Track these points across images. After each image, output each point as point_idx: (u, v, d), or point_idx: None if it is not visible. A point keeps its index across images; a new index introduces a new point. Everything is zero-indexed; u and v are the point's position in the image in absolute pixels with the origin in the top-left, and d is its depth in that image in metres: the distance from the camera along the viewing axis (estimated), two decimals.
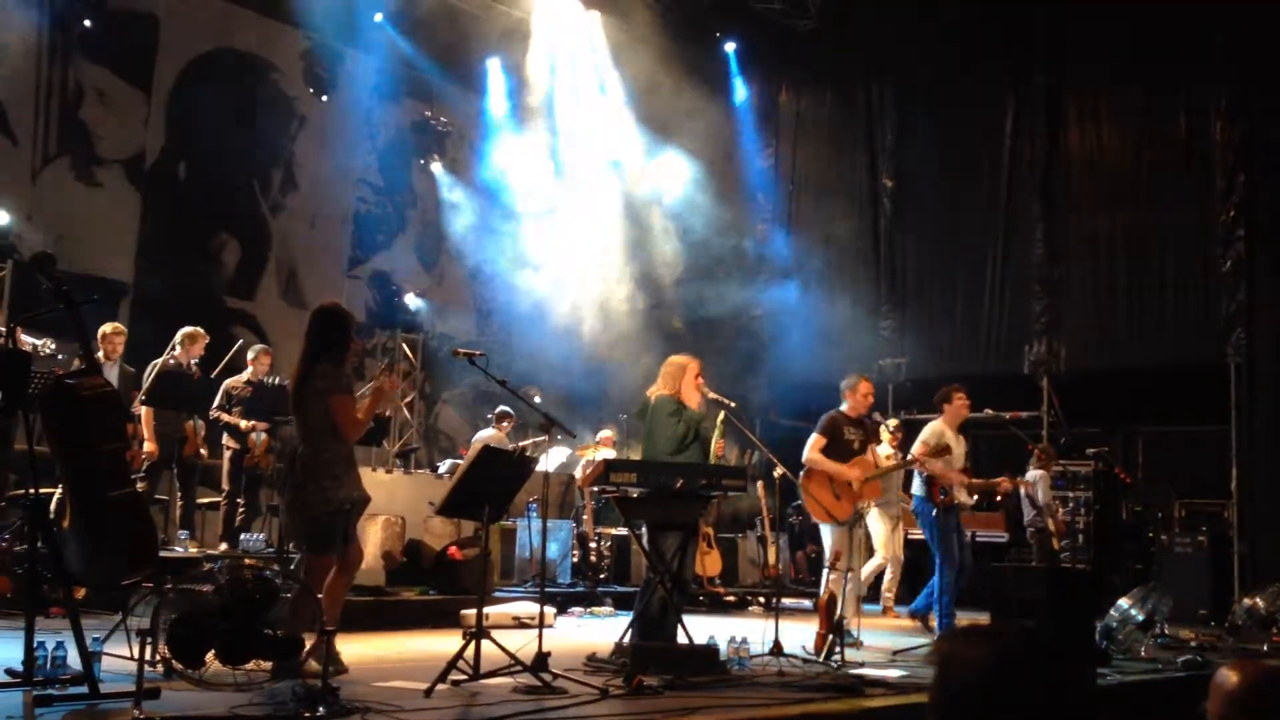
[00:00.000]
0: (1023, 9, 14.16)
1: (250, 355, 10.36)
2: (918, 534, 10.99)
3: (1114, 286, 13.68)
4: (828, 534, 8.35)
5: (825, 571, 8.12)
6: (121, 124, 12.77)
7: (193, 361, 9.81)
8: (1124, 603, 8.33)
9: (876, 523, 10.28)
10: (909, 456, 8.92)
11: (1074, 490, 12.41)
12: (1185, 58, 13.18)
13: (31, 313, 7.49)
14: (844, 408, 8.50)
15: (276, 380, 9.98)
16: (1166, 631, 8.94)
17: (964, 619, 8.56)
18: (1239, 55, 12.80)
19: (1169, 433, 13.79)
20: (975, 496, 9.30)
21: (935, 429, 8.88)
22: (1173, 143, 13.42)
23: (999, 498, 10.79)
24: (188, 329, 9.84)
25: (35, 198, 11.95)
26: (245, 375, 10.19)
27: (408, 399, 14.63)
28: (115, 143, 12.73)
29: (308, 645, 5.56)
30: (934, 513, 8.67)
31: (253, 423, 10.07)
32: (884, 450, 10.14)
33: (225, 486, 10.21)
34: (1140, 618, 8.25)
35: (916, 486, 8.94)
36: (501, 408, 12.39)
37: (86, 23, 12.35)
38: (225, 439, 10.18)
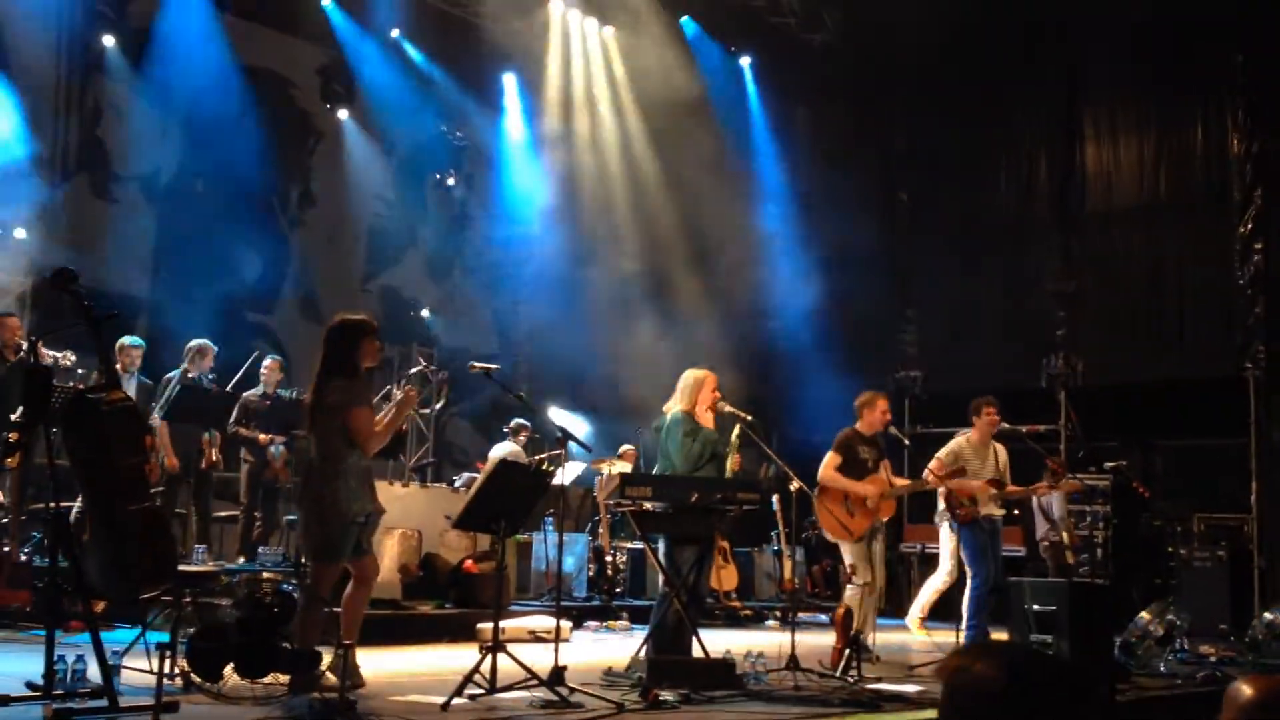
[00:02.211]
0: (1039, 23, 14.18)
1: (262, 367, 10.40)
2: None
3: (1132, 300, 13.66)
4: (848, 550, 8.33)
5: (849, 587, 8.09)
6: (140, 140, 12.87)
7: (206, 375, 9.87)
8: (1143, 618, 8.28)
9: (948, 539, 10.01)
10: (923, 476, 8.80)
11: (1092, 504, 12.34)
12: (1202, 72, 13.17)
13: (53, 327, 7.55)
14: (858, 425, 8.47)
15: (294, 394, 10.03)
16: (1186, 647, 8.87)
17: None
18: (1256, 69, 12.78)
19: (1188, 446, 13.71)
20: (1002, 509, 9.11)
21: (953, 447, 8.79)
22: (1190, 156, 13.41)
23: (1017, 511, 10.72)
24: (195, 342, 9.91)
25: (54, 214, 12.04)
26: (260, 388, 10.24)
27: (429, 409, 14.62)
28: (133, 159, 12.84)
29: (325, 660, 5.58)
30: (957, 527, 8.61)
31: (271, 436, 10.13)
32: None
33: (243, 500, 10.25)
34: (1159, 633, 8.20)
35: (940, 501, 8.87)
36: (517, 420, 12.40)
37: (105, 40, 12.47)
38: (242, 453, 10.23)
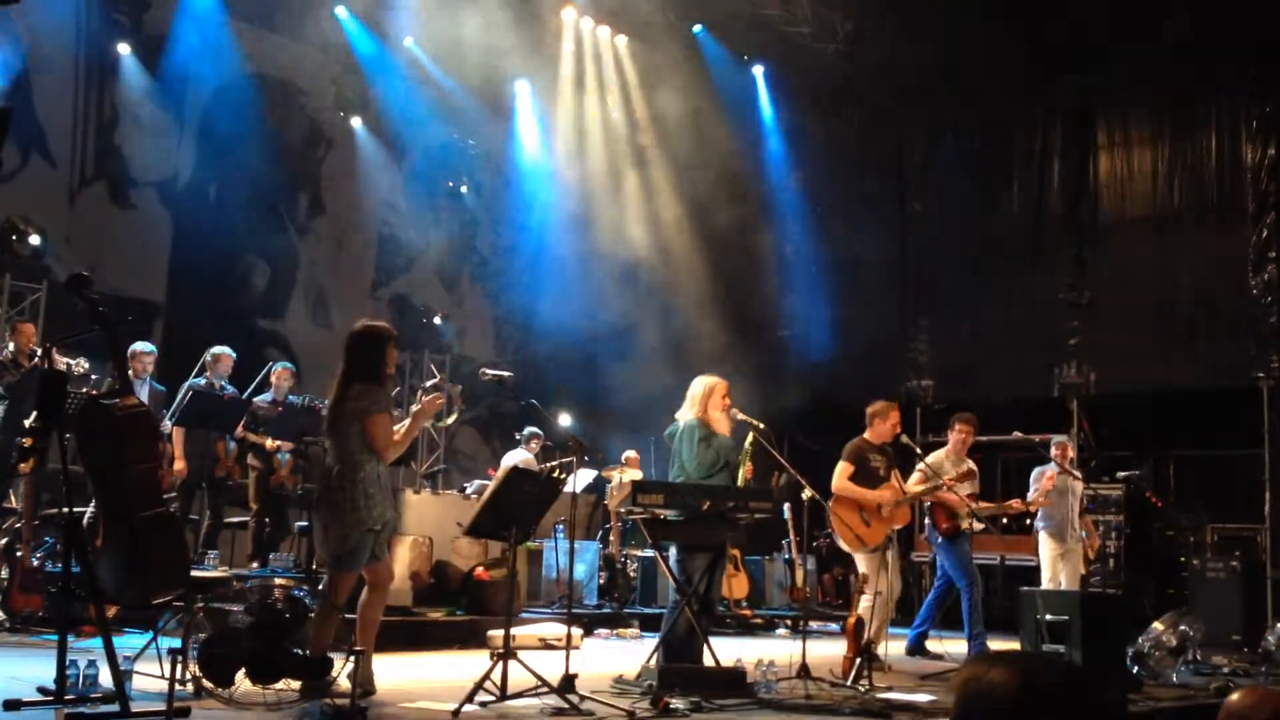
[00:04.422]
0: (1053, 33, 14.14)
1: (273, 373, 10.42)
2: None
3: (1145, 309, 13.62)
4: (862, 560, 8.32)
5: (863, 599, 8.09)
6: (155, 147, 12.94)
7: (222, 381, 9.90)
8: (1156, 628, 8.25)
9: (1045, 548, 10.00)
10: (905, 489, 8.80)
11: (1105, 514, 12.30)
12: (1215, 80, 13.14)
13: (67, 333, 7.58)
14: (867, 434, 8.49)
15: (306, 400, 10.04)
16: (1199, 657, 8.84)
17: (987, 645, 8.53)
18: (1269, 77, 12.75)
19: (1201, 456, 13.67)
20: (981, 524, 9.11)
21: (935, 459, 8.91)
22: (1203, 165, 13.37)
23: (1029, 521, 10.69)
24: (213, 349, 9.96)
25: (73, 220, 12.13)
26: (269, 395, 10.26)
27: (450, 419, 14.58)
28: (149, 165, 12.91)
29: (337, 665, 5.58)
30: (939, 540, 8.75)
31: (279, 442, 10.15)
32: (1052, 469, 9.76)
33: (253, 506, 10.28)
34: (1172, 643, 8.16)
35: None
36: (531, 428, 12.41)
37: (121, 47, 12.55)
38: (250, 458, 10.26)
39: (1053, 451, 9.91)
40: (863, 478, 8.26)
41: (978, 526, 8.82)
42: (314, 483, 9.86)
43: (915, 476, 8.78)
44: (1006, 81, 14.64)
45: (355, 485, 5.75)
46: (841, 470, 8.29)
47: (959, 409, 9.75)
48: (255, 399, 10.25)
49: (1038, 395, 13.64)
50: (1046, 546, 9.90)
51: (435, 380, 12.04)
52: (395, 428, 6.02)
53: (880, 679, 7.20)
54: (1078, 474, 10.12)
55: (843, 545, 8.47)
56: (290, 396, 10.30)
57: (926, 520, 9.09)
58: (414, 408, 6.28)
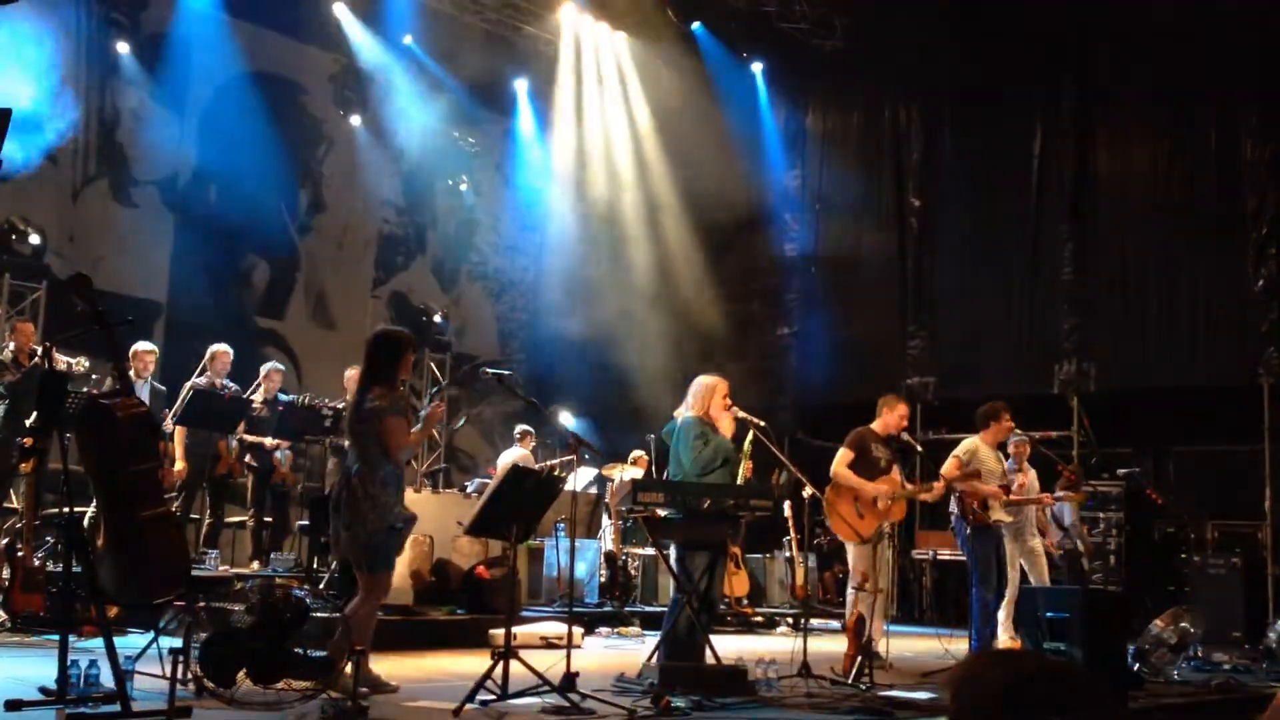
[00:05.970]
0: (1052, 28, 14.12)
1: (261, 374, 10.41)
2: None
3: (1144, 306, 13.59)
4: (853, 553, 8.29)
5: (850, 591, 8.06)
6: (156, 146, 12.94)
7: (225, 380, 9.90)
8: (1156, 625, 8.24)
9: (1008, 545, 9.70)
10: (942, 474, 8.66)
11: (1105, 511, 12.29)
12: (1215, 76, 13.12)
13: (67, 333, 7.58)
14: (874, 425, 8.44)
15: (306, 400, 10.04)
16: (1199, 654, 8.83)
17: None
18: (1269, 73, 12.73)
19: (1201, 453, 13.64)
20: (1012, 516, 9.01)
21: (969, 447, 8.70)
22: (1203, 161, 13.34)
23: None
24: (211, 347, 9.97)
25: (76, 218, 12.13)
26: (259, 394, 10.24)
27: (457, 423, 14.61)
28: (150, 164, 12.91)
29: (339, 665, 5.59)
30: (967, 532, 8.53)
31: (277, 441, 10.14)
32: (1010, 465, 9.55)
33: (250, 505, 10.28)
34: (1173, 640, 8.16)
35: (952, 504, 8.73)
36: (522, 426, 12.40)
37: (121, 46, 12.54)
38: (246, 457, 10.26)
39: (1011, 448, 9.46)
40: (862, 467, 8.19)
41: (1006, 519, 8.67)
42: (315, 481, 9.90)
43: (949, 463, 8.49)
44: (1006, 78, 14.61)
45: (377, 484, 5.87)
46: (841, 457, 8.22)
47: (959, 405, 9.70)
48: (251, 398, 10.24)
49: (1038, 392, 13.62)
50: (1005, 546, 9.56)
51: (439, 389, 12.10)
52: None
53: (881, 676, 7.20)
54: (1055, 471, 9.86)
55: (837, 536, 8.43)
56: (280, 395, 10.28)
57: (953, 508, 8.78)
58: (423, 413, 6.39)
